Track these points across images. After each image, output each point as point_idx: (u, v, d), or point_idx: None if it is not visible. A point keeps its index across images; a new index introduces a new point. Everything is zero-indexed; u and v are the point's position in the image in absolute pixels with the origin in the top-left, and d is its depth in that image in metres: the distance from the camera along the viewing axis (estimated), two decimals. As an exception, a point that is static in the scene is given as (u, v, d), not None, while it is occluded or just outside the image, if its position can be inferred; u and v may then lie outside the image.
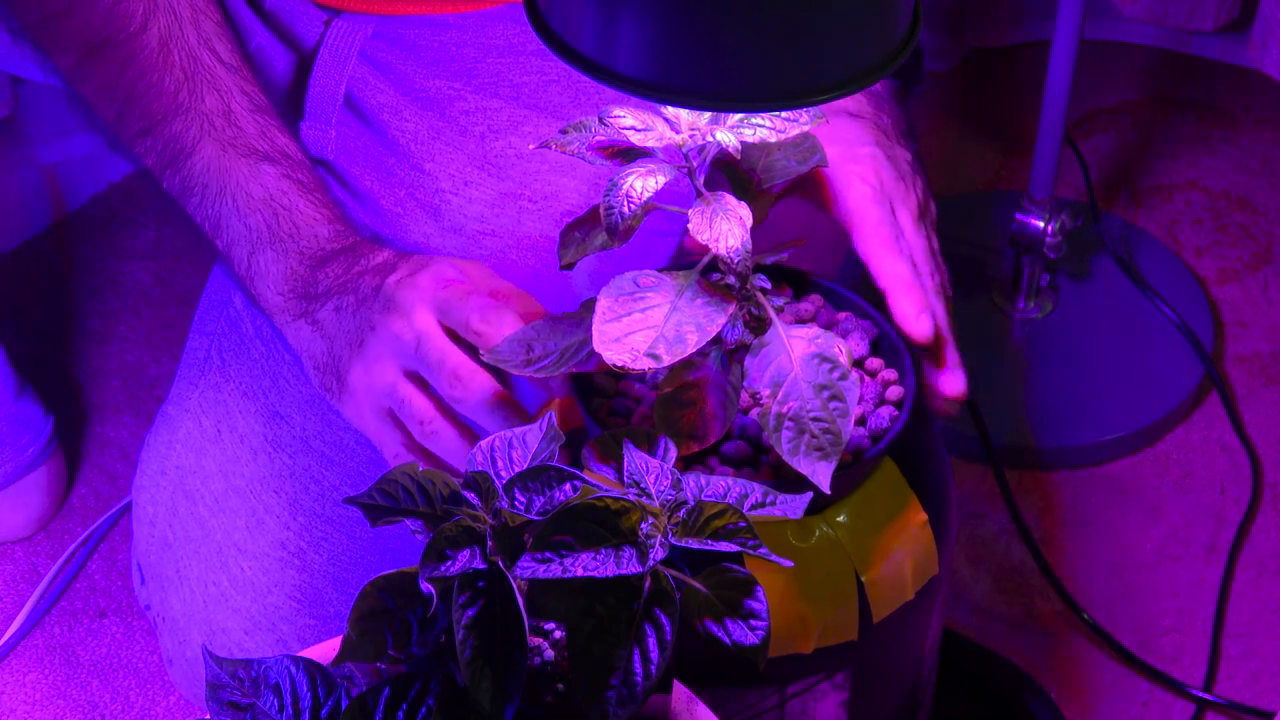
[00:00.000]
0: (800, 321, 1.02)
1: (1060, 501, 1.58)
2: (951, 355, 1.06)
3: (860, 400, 0.98)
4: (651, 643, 0.76)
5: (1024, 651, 1.45)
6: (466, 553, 0.76)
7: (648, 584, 0.77)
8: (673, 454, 0.84)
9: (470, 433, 1.02)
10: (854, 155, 1.08)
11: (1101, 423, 1.63)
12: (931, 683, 1.11)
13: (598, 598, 0.77)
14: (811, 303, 1.03)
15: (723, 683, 0.98)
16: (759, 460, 0.96)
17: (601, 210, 0.87)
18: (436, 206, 1.20)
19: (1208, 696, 1.42)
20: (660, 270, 0.92)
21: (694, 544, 0.77)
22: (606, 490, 0.77)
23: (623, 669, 0.76)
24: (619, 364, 0.87)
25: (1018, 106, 1.99)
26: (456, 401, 1.00)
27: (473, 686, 0.75)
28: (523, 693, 0.77)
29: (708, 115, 0.89)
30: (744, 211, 0.89)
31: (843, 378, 0.90)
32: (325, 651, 0.84)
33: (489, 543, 0.77)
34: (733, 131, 0.88)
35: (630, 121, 0.88)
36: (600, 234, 0.92)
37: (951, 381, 1.05)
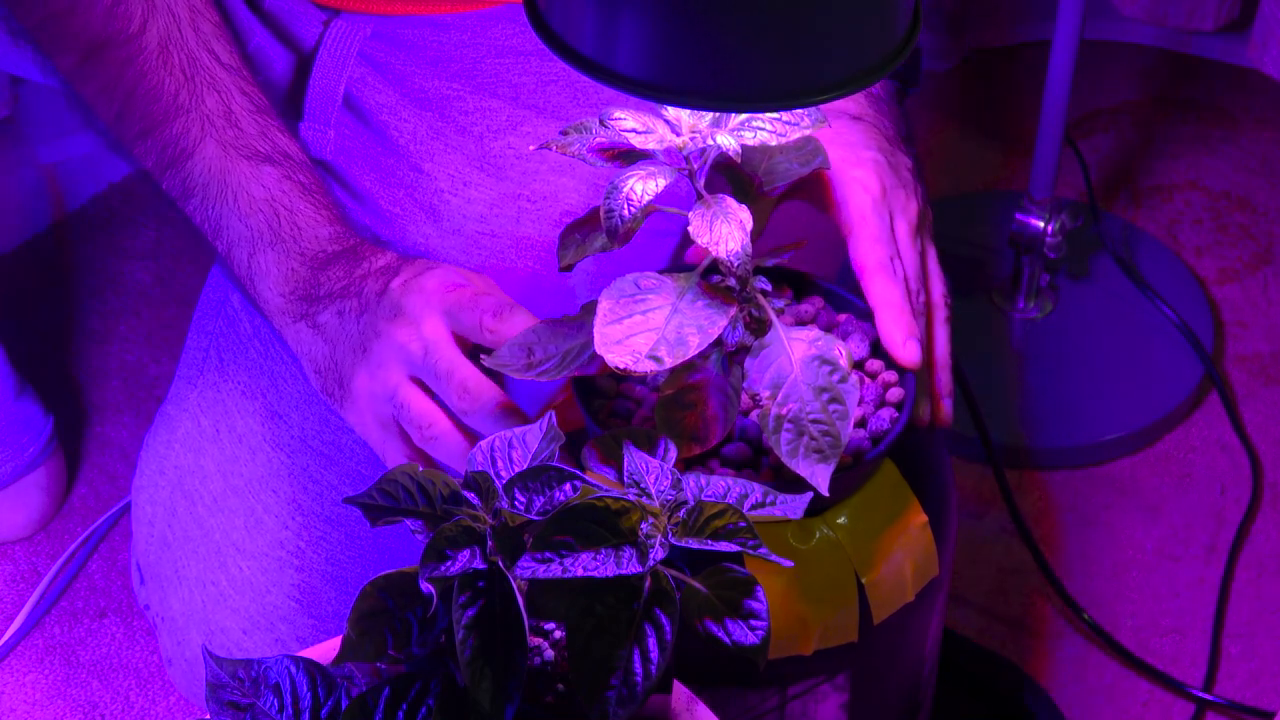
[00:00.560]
0: (801, 323, 1.02)
1: (1060, 501, 1.58)
2: (943, 383, 1.06)
3: (860, 402, 0.98)
4: (651, 643, 0.76)
5: (1024, 651, 1.45)
6: (466, 553, 0.76)
7: (648, 584, 0.77)
8: (673, 454, 0.84)
9: (471, 437, 1.01)
10: (858, 159, 1.07)
11: (1101, 423, 1.62)
12: (932, 683, 1.11)
13: (598, 598, 0.77)
14: (812, 304, 1.03)
15: (723, 683, 0.98)
16: (759, 462, 0.96)
17: (602, 213, 0.87)
18: (435, 207, 1.20)
19: (1208, 696, 1.42)
20: (661, 272, 0.92)
21: (694, 544, 0.77)
22: (607, 490, 0.77)
23: (623, 669, 0.76)
24: (621, 366, 0.87)
25: (1018, 106, 1.99)
26: (465, 413, 1.00)
27: (473, 686, 0.75)
28: (523, 693, 0.77)
29: (708, 117, 0.89)
30: (744, 214, 0.89)
31: (842, 380, 0.90)
32: (325, 651, 0.84)
33: (489, 543, 0.77)
34: (733, 134, 0.88)
35: (631, 124, 0.88)
36: (600, 236, 0.92)
37: (939, 412, 1.05)
